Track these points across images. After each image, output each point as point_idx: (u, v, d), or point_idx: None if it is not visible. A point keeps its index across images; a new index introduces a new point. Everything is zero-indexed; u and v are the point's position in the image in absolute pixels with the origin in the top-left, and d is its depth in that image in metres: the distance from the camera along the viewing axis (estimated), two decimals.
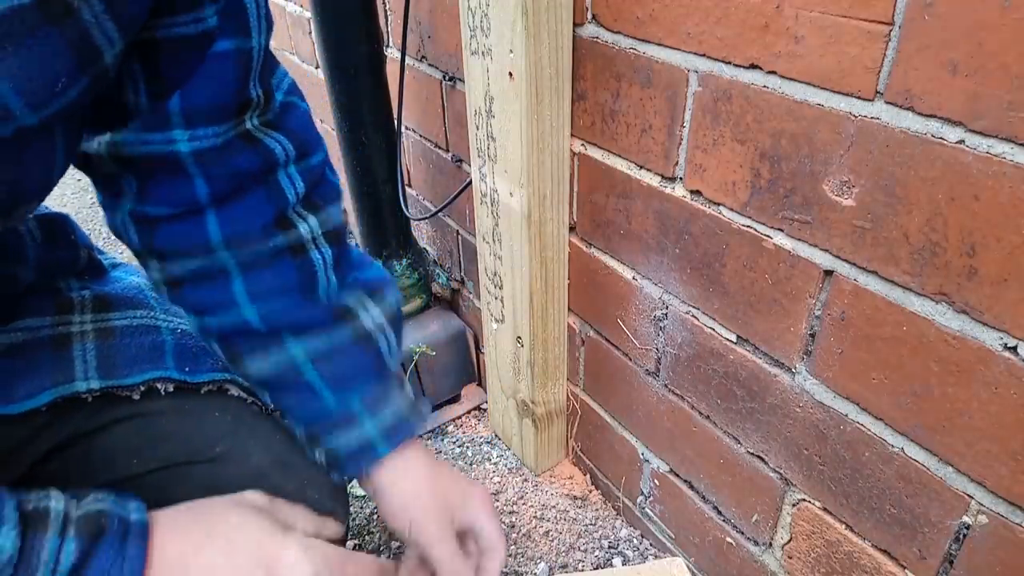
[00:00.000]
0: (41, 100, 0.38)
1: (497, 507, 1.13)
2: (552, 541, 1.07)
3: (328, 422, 0.62)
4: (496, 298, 1.06)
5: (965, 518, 0.58)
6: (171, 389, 0.66)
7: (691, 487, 0.92)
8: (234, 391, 0.71)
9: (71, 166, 0.50)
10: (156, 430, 0.65)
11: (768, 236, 0.66)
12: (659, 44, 0.70)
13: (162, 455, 0.65)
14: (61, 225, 0.65)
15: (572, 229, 0.95)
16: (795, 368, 0.69)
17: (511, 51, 0.78)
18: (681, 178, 0.74)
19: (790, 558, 0.79)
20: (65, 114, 0.41)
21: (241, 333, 0.59)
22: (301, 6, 1.57)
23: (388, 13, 1.22)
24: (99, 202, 0.58)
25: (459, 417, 1.33)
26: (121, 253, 1.94)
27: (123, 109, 0.49)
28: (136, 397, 0.64)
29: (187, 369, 0.67)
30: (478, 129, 0.92)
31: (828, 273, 0.62)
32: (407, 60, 1.14)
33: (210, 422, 0.68)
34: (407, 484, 0.62)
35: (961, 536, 0.59)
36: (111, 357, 0.63)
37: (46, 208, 0.65)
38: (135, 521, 0.44)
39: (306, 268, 0.59)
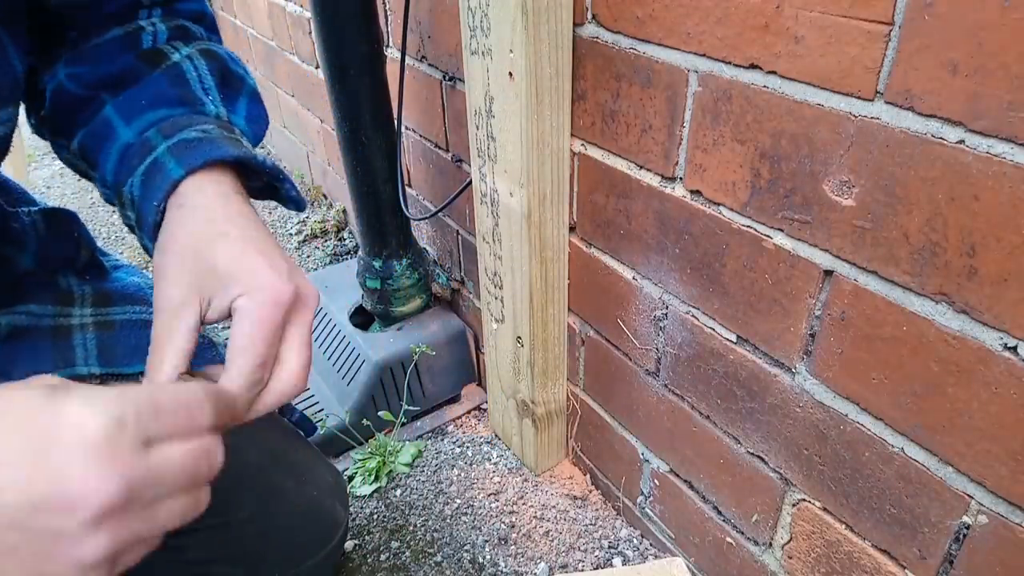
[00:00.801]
0: None
1: (497, 507, 1.13)
2: (552, 541, 1.07)
3: (126, 162, 0.50)
4: (496, 298, 1.06)
5: (965, 518, 0.58)
6: None
7: (691, 487, 0.92)
8: None
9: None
10: None
11: (768, 236, 0.66)
12: (659, 44, 0.70)
13: None
14: (67, 221, 0.65)
15: (572, 229, 0.95)
16: (795, 368, 0.69)
17: (511, 51, 0.78)
18: (681, 178, 0.74)
19: (790, 558, 0.79)
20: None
21: (61, 105, 0.55)
22: (301, 6, 1.57)
23: (388, 13, 1.22)
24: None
25: (459, 417, 1.33)
26: (122, 253, 1.94)
27: None
28: None
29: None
30: (478, 129, 0.92)
31: (828, 273, 0.62)
32: (407, 60, 1.14)
33: None
34: (174, 224, 0.46)
35: (961, 536, 0.59)
36: (111, 347, 0.63)
37: (48, 204, 0.65)
38: None
39: (133, 38, 0.55)
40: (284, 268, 0.45)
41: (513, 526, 1.10)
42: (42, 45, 0.55)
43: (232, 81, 0.58)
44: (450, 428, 1.31)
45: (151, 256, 0.48)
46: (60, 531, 0.30)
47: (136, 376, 0.64)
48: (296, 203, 0.55)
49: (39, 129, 0.60)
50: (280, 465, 0.74)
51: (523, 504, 1.14)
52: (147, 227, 0.47)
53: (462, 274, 1.34)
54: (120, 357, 0.64)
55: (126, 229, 0.56)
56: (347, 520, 0.85)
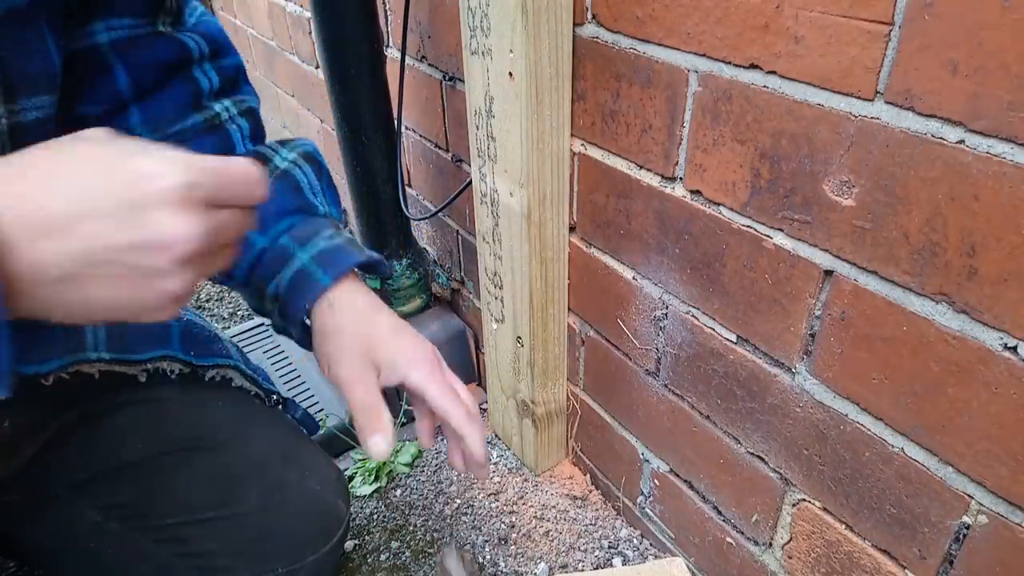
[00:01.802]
0: None
1: (497, 507, 1.13)
2: (552, 541, 1.07)
3: (264, 266, 0.59)
4: (496, 298, 1.06)
5: (965, 518, 0.58)
6: (177, 371, 0.66)
7: (691, 487, 0.92)
8: (237, 381, 0.71)
9: None
10: (161, 415, 0.66)
11: (768, 236, 0.66)
12: (659, 44, 0.70)
13: (166, 439, 0.65)
14: None
15: (572, 229, 0.95)
16: (795, 368, 0.69)
17: (511, 51, 0.78)
18: (681, 178, 0.74)
19: (790, 558, 0.79)
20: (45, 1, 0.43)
21: None
22: (301, 6, 1.57)
23: (388, 13, 1.22)
24: None
25: None
26: None
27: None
28: (143, 379, 0.64)
29: (192, 352, 0.67)
30: (478, 129, 0.92)
31: (828, 273, 0.62)
32: (407, 60, 1.14)
33: (213, 410, 0.69)
34: (333, 320, 0.58)
35: (961, 536, 0.59)
36: (121, 336, 0.64)
37: None
38: None
39: (223, 136, 0.61)
40: (421, 339, 0.59)
41: (513, 526, 1.10)
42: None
43: (323, 176, 0.68)
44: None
45: (278, 330, 0.62)
46: (155, 268, 0.36)
47: (143, 363, 0.65)
48: (385, 275, 0.62)
49: None
50: (284, 459, 0.75)
51: (523, 504, 1.14)
52: (294, 319, 0.59)
53: (462, 274, 1.34)
54: (129, 345, 0.64)
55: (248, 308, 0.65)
56: (349, 516, 0.85)
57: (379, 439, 0.52)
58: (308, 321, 0.59)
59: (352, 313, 0.57)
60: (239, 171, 0.40)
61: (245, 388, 0.72)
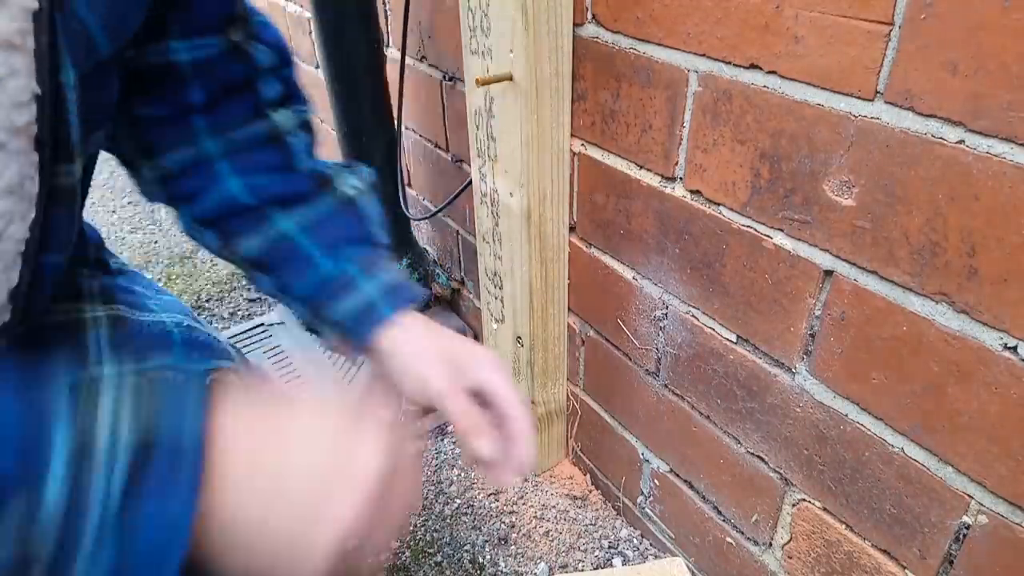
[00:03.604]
0: (119, 33, 0.42)
1: (497, 507, 1.13)
2: (552, 541, 1.07)
3: (328, 289, 0.62)
4: (496, 298, 1.06)
5: (965, 518, 0.58)
6: None
7: (691, 487, 0.92)
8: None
9: None
10: None
11: (768, 236, 0.66)
12: (659, 44, 0.70)
13: None
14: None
15: (572, 229, 0.95)
16: (795, 368, 0.69)
17: (511, 51, 0.78)
18: (681, 178, 0.74)
19: (790, 558, 0.79)
20: (124, 51, 0.45)
21: (230, 211, 0.61)
22: (301, 6, 1.57)
23: (388, 13, 1.22)
24: None
25: None
26: (122, 253, 1.94)
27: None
28: None
29: (195, 356, 0.67)
30: (478, 129, 0.92)
31: (828, 273, 0.62)
32: (407, 60, 1.14)
33: None
34: (411, 345, 0.61)
35: (961, 536, 0.59)
36: (124, 345, 0.64)
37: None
38: (188, 448, 0.40)
39: (285, 149, 0.63)
40: (481, 347, 0.63)
41: (513, 526, 1.10)
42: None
43: (379, 207, 0.70)
44: (450, 428, 1.31)
45: (320, 334, 0.66)
46: (326, 531, 0.40)
47: (147, 372, 0.64)
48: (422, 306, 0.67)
49: (149, 191, 0.64)
50: None
51: (523, 504, 1.14)
52: (360, 340, 0.62)
53: (462, 274, 1.34)
54: (132, 354, 0.64)
55: (213, 255, 0.70)
56: None
57: (485, 442, 0.57)
58: (371, 345, 0.63)
59: (424, 334, 0.62)
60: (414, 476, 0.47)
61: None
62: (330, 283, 0.62)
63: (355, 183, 0.67)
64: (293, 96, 0.67)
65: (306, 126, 0.67)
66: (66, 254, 0.51)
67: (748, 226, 0.68)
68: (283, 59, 0.65)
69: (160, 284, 1.63)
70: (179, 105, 0.59)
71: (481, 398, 0.61)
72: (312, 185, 0.63)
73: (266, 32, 0.64)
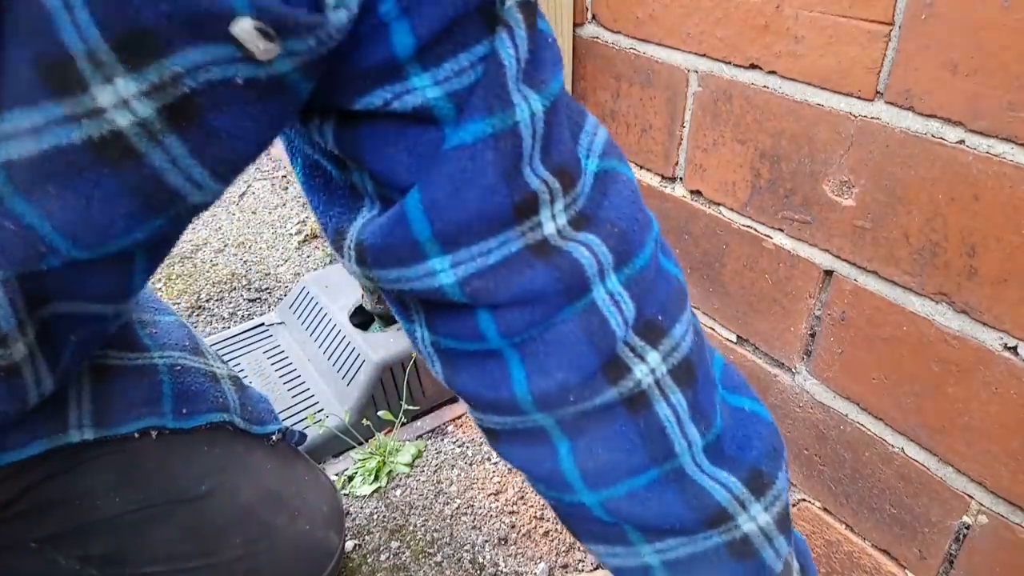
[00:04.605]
0: (94, 241, 0.35)
1: (497, 507, 1.13)
2: (552, 541, 1.07)
3: None
4: None
5: (965, 518, 0.58)
6: (157, 433, 0.63)
7: None
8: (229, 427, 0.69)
9: None
10: (139, 468, 0.62)
11: (768, 236, 0.66)
12: (659, 44, 0.70)
13: (144, 494, 0.62)
14: None
15: None
16: (795, 368, 0.69)
17: None
18: (681, 178, 0.74)
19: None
20: (146, 245, 0.38)
21: (579, 516, 0.46)
22: None
23: None
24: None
25: (459, 417, 1.33)
26: None
27: (352, 190, 0.41)
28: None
29: (184, 411, 0.64)
30: None
31: (828, 273, 0.62)
32: None
33: (197, 458, 0.65)
34: None
35: (961, 536, 0.59)
36: (107, 405, 0.60)
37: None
38: None
39: (652, 431, 0.42)
40: None
41: (513, 526, 1.10)
42: None
43: (786, 521, 0.50)
44: (450, 428, 1.32)
45: None
46: None
47: (127, 437, 0.60)
48: None
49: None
50: (274, 503, 0.72)
51: (523, 504, 1.14)
52: None
53: None
54: (115, 414, 0.58)
55: None
56: (342, 544, 0.85)
57: None
58: None
59: None
60: None
61: (236, 429, 0.69)
62: None
63: (758, 514, 0.44)
64: (654, 300, 0.43)
65: (681, 371, 0.42)
66: (11, 411, 0.47)
67: (748, 226, 0.68)
68: (631, 246, 0.41)
69: (160, 284, 1.63)
70: (473, 336, 0.41)
71: None
72: (696, 522, 0.43)
73: (606, 202, 0.41)
